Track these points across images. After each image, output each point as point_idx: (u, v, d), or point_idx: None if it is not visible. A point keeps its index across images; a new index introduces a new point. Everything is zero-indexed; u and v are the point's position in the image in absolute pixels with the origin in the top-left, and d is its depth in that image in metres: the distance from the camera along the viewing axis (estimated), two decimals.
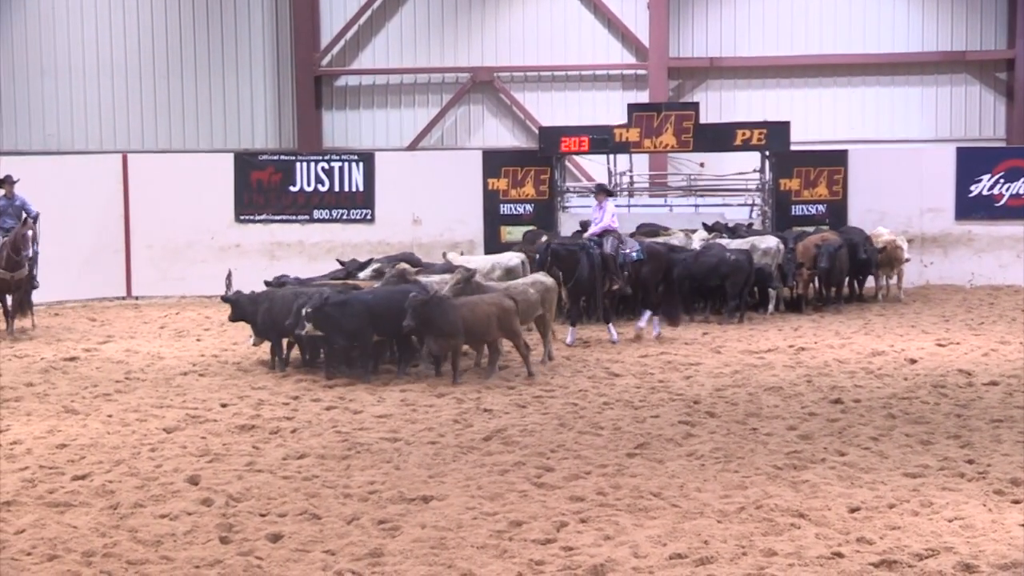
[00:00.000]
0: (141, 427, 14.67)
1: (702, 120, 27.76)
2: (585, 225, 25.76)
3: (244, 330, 20.25)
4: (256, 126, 33.67)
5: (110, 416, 15.27)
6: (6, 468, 12.71)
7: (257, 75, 33.54)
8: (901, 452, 12.96)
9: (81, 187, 27.53)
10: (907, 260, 25.57)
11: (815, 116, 32.17)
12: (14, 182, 22.76)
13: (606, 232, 21.37)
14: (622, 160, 28.95)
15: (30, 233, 21.89)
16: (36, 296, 22.96)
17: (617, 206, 28.07)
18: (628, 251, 21.31)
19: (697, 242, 24.33)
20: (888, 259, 25.40)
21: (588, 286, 20.89)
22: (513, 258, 22.72)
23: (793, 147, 27.61)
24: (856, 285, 25.80)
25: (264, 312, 18.40)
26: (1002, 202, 28.00)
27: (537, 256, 21.07)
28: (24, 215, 22.46)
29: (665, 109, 27.73)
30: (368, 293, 18.09)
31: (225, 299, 19.13)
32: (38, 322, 23.24)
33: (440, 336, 16.97)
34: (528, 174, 28.12)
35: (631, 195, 29.02)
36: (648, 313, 21.42)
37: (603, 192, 22.03)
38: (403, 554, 9.80)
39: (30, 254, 21.97)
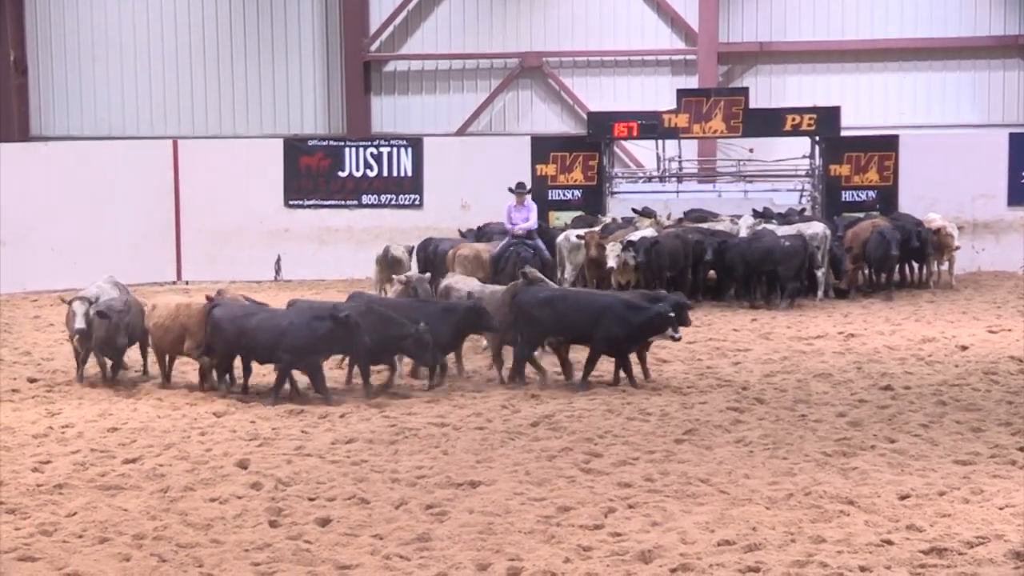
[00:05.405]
0: (191, 411, 14.78)
1: (751, 105, 27.61)
2: (648, 211, 25.33)
3: None
4: (305, 112, 33.74)
5: (160, 400, 15.38)
6: (58, 451, 12.83)
7: (306, 61, 33.60)
8: (952, 439, 12.88)
9: (132, 172, 27.78)
10: (957, 248, 25.19)
11: (866, 101, 31.86)
12: None
13: (518, 236, 21.19)
14: (671, 146, 28.85)
15: None
16: (83, 279, 22.76)
17: (666, 192, 28.21)
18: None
19: (744, 229, 24.16)
20: (938, 245, 25.13)
21: None
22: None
23: (843, 132, 27.41)
24: (909, 271, 25.59)
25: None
26: None
27: (500, 263, 20.77)
28: None
29: (714, 94, 27.63)
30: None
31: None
32: None
33: None
34: (576, 159, 28.06)
35: (680, 181, 28.92)
36: None
37: (525, 191, 21.62)
38: (451, 539, 9.83)
39: None
